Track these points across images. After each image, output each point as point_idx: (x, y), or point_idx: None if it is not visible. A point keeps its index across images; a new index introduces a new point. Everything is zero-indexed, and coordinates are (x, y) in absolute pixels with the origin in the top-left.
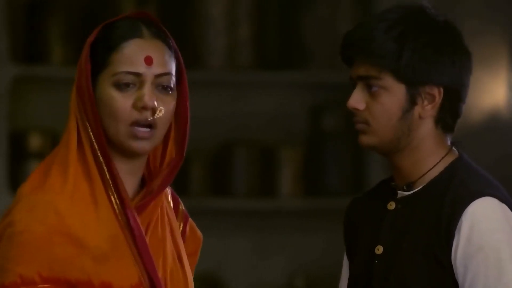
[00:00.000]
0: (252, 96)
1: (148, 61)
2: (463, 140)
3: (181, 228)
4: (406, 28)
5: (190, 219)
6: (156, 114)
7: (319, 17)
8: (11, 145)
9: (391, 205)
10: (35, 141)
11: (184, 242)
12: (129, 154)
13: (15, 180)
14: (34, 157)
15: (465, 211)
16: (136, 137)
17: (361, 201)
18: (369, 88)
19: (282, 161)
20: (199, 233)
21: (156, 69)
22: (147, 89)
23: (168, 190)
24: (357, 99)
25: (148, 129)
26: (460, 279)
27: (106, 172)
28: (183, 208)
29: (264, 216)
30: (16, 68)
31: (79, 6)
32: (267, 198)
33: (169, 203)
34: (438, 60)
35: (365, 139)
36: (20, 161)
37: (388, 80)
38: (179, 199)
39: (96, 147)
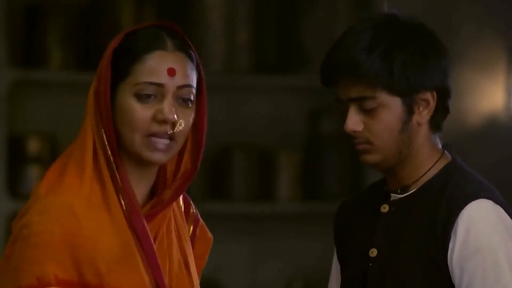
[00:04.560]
0: (250, 100)
1: (171, 72)
2: (461, 144)
3: (191, 231)
4: (389, 42)
5: (201, 221)
6: (176, 128)
7: (317, 21)
8: (9, 149)
9: (385, 208)
10: (33, 145)
11: (193, 245)
12: (144, 164)
13: (14, 184)
14: (32, 161)
15: (461, 214)
16: (153, 148)
17: (352, 205)
18: (362, 107)
19: (281, 165)
20: (209, 234)
21: (178, 81)
22: (167, 102)
23: None
24: (354, 121)
25: (167, 141)
26: (456, 282)
27: (118, 178)
28: (194, 210)
29: (262, 220)
30: (14, 72)
31: (77, 10)
32: (265, 202)
33: (179, 206)
34: (427, 65)
35: (370, 158)
36: (18, 165)
37: (383, 97)
38: (191, 202)
39: (109, 153)
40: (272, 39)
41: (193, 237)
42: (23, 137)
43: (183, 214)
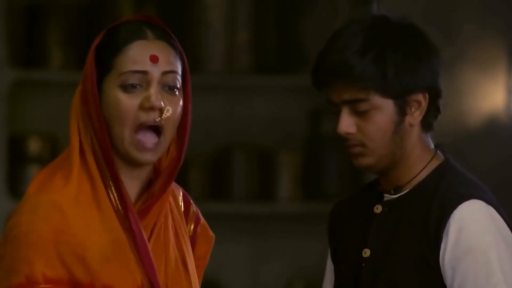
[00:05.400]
0: (250, 100)
1: (154, 59)
2: (461, 144)
3: (191, 230)
4: (381, 44)
5: (202, 220)
6: (163, 115)
7: (317, 21)
8: (10, 149)
9: (378, 209)
10: (34, 145)
11: (194, 244)
12: (134, 163)
13: (14, 184)
14: (33, 161)
15: (453, 214)
16: (141, 148)
17: (346, 205)
18: (355, 110)
19: (281, 165)
20: (211, 233)
21: (162, 67)
22: (153, 89)
23: (180, 192)
24: (347, 124)
25: (155, 140)
26: (448, 281)
27: (109, 176)
28: (195, 209)
29: (263, 220)
30: (15, 72)
31: (77, 10)
32: (265, 202)
33: (179, 206)
34: (419, 66)
35: (363, 161)
36: (19, 165)
37: (376, 99)
38: (191, 200)
39: (99, 151)
40: (272, 39)
41: (194, 236)
42: (23, 137)
43: (182, 213)
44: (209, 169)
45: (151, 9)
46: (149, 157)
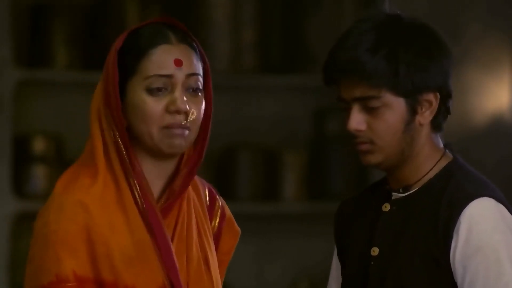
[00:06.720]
0: (255, 100)
1: (178, 63)
2: (467, 143)
3: (216, 226)
4: (393, 42)
5: (228, 215)
6: (189, 117)
7: (322, 20)
8: (14, 149)
9: (386, 207)
10: (38, 145)
11: (219, 241)
12: (162, 156)
13: (19, 184)
14: (37, 161)
15: (462, 212)
16: (172, 135)
17: (352, 204)
18: (366, 107)
19: (286, 165)
20: (236, 228)
21: (186, 70)
22: (178, 93)
23: (206, 187)
24: (358, 121)
25: (183, 130)
26: (459, 280)
27: (133, 177)
28: (220, 203)
29: (267, 220)
30: (20, 72)
31: (83, 10)
32: (270, 202)
33: (203, 202)
34: (430, 66)
35: (372, 158)
36: (23, 165)
37: (388, 97)
38: (217, 196)
39: (123, 152)
40: (278, 38)
41: (218, 232)
42: (28, 136)
43: (206, 210)
44: (214, 169)
45: (156, 9)
46: (180, 142)
